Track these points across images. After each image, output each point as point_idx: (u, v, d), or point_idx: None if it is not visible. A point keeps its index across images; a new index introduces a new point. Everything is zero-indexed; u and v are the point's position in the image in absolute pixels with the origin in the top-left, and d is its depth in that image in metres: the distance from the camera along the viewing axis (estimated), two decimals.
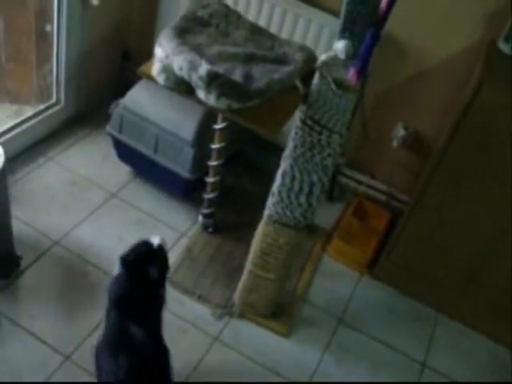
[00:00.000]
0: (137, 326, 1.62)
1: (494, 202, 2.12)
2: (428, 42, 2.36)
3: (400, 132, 2.56)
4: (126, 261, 1.62)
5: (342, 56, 1.62)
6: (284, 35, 2.38)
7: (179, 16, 1.84)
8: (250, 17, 2.36)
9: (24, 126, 2.60)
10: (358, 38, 1.59)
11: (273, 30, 2.37)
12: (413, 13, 2.20)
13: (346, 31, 1.61)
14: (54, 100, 2.76)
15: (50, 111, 2.73)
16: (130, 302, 1.65)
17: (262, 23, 2.37)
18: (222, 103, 1.57)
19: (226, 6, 1.90)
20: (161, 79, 1.65)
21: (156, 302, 1.72)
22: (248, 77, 1.63)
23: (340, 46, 1.61)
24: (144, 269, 1.63)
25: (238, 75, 1.62)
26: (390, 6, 1.53)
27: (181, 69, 1.57)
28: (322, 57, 1.67)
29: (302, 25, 2.39)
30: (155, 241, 1.68)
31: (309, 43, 2.32)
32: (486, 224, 2.18)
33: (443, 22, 2.29)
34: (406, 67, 2.46)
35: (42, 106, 2.72)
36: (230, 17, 1.88)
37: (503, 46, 2.12)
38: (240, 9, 2.38)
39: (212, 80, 1.54)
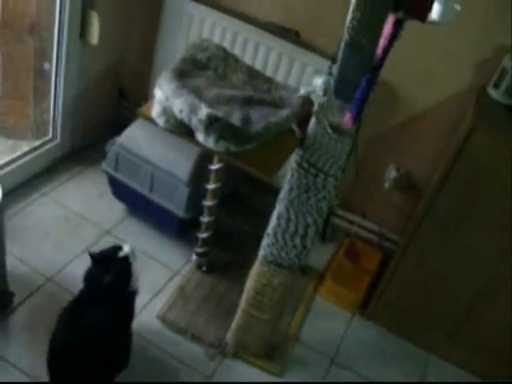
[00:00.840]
0: (90, 308, 1.81)
1: (484, 246, 2.15)
2: (420, 87, 2.42)
3: (392, 174, 2.60)
4: (90, 255, 1.82)
5: (320, 92, 1.64)
6: (279, 78, 2.43)
7: (178, 58, 1.89)
8: (246, 59, 2.41)
9: (19, 162, 2.61)
10: (354, 84, 1.63)
11: (268, 72, 2.42)
12: (405, 59, 2.25)
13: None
14: (50, 136, 2.78)
15: (45, 147, 2.75)
16: (89, 289, 1.85)
17: (257, 66, 2.42)
18: (221, 146, 1.60)
19: (224, 50, 1.95)
20: (161, 121, 1.68)
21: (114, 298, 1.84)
22: (246, 120, 1.67)
23: (319, 82, 1.65)
24: (103, 269, 1.80)
25: (236, 118, 1.66)
26: (386, 52, 1.57)
27: (181, 111, 1.61)
28: (301, 91, 1.71)
29: (298, 68, 2.45)
30: (125, 249, 1.82)
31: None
32: (477, 267, 2.20)
33: (435, 67, 2.35)
34: (399, 111, 2.51)
35: (37, 142, 2.74)
36: (228, 60, 1.92)
37: (492, 92, 2.17)
38: (236, 51, 2.43)
39: (211, 123, 1.57)
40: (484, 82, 2.23)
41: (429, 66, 2.36)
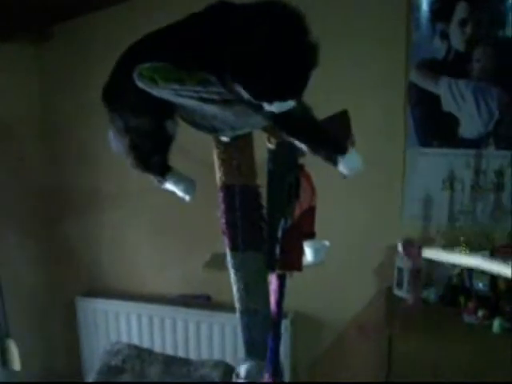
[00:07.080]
0: None
1: None
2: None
3: None
4: None
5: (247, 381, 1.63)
6: (203, 345, 2.47)
7: (94, 371, 1.91)
8: (167, 338, 2.45)
9: None
10: (262, 344, 1.66)
11: (189, 343, 2.45)
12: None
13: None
14: None
15: None
16: None
17: (180, 341, 2.47)
18: None
19: (136, 347, 1.99)
20: None
21: None
22: None
23: (242, 369, 1.66)
24: None
25: None
26: (280, 305, 1.64)
27: None
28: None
29: (217, 331, 2.50)
30: None
31: (228, 348, 2.43)
32: None
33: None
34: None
35: None
36: (142, 356, 1.96)
37: (397, 292, 2.30)
38: (155, 334, 2.48)
39: None
40: (388, 285, 2.35)
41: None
